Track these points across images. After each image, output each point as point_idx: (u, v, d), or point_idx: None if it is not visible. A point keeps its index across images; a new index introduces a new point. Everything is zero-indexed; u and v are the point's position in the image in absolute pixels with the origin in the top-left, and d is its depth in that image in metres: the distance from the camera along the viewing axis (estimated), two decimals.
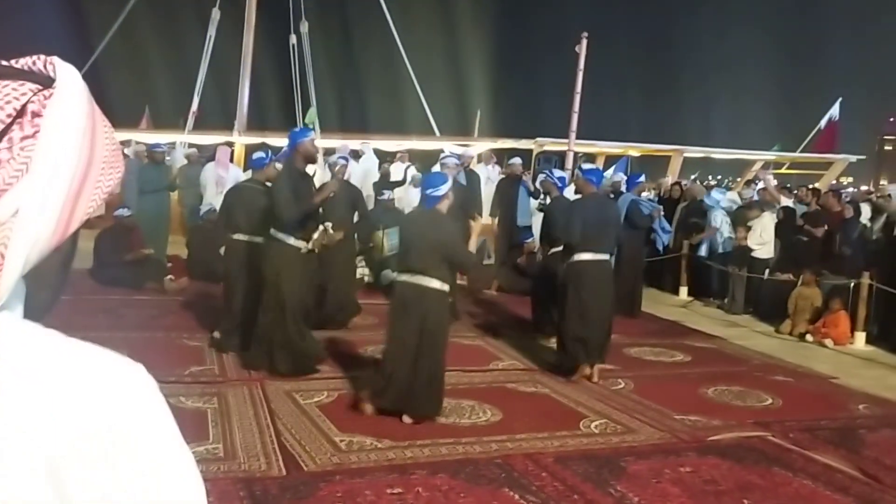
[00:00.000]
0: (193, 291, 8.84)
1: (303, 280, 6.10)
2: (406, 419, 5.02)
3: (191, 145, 14.88)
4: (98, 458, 0.66)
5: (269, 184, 6.44)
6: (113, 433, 0.67)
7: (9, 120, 0.67)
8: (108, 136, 0.75)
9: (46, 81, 0.70)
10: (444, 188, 5.24)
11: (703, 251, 10.72)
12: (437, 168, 9.26)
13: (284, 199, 5.78)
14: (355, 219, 7.97)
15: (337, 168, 7.70)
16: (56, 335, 0.71)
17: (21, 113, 0.68)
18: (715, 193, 11.57)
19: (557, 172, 9.00)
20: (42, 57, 0.71)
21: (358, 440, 4.65)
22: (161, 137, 14.78)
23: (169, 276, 9.20)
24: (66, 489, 0.65)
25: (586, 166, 8.42)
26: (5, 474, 0.63)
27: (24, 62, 0.71)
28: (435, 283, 5.11)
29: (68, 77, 0.71)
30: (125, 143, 15.32)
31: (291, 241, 5.89)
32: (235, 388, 5.52)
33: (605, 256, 6.51)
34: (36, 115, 0.68)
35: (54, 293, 0.79)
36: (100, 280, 8.84)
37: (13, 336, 0.68)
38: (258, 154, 7.03)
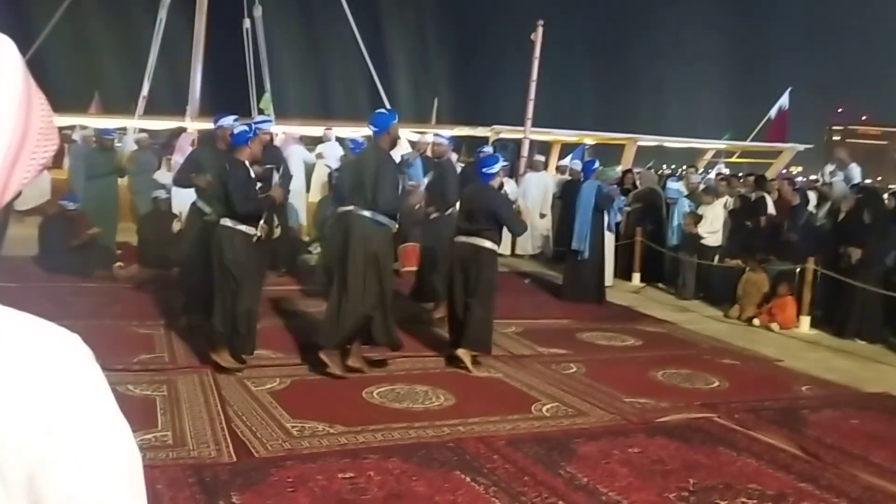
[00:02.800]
0: (144, 278, 8.70)
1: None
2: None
3: (142, 130, 14.60)
4: (35, 426, 0.67)
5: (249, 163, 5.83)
6: (50, 402, 0.68)
7: None
8: (44, 108, 0.76)
9: None
10: (497, 166, 6.45)
11: (674, 239, 10.78)
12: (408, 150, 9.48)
13: (395, 188, 5.80)
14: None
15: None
16: None
17: None
18: (671, 184, 11.72)
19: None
20: None
21: (310, 426, 4.64)
22: (111, 122, 14.48)
23: (118, 263, 9.04)
24: (4, 458, 0.65)
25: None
26: None
27: None
28: (487, 244, 6.18)
29: (4, 47, 0.71)
30: (72, 128, 15.00)
31: (391, 224, 5.87)
32: (185, 375, 5.46)
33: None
34: None
35: None
36: (46, 267, 8.66)
37: None
38: (241, 128, 6.08)
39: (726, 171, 17.52)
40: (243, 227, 5.69)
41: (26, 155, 0.73)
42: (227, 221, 5.70)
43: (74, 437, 0.68)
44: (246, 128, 6.07)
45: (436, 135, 8.99)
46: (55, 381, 0.69)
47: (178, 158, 11.04)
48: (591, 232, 9.40)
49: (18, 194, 0.79)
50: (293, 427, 4.60)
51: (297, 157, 12.18)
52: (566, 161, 16.97)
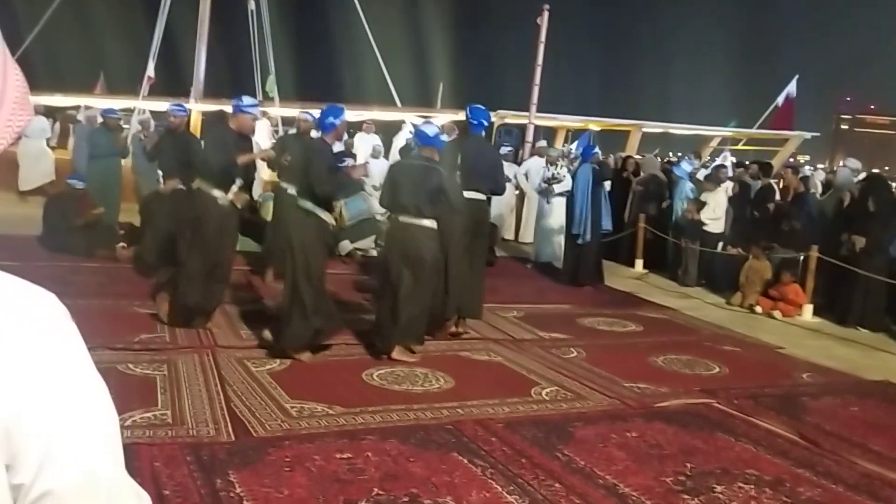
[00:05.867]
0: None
1: None
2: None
3: (144, 112, 14.58)
4: (8, 381, 0.66)
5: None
6: (23, 357, 0.68)
7: None
8: (19, 78, 0.76)
9: None
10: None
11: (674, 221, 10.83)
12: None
13: None
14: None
15: None
16: None
17: None
18: (684, 164, 11.70)
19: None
20: None
21: (309, 407, 4.65)
22: (116, 103, 14.45)
23: (121, 244, 9.03)
24: None
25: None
26: None
27: None
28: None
29: None
30: (77, 108, 14.99)
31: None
32: (186, 355, 5.46)
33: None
34: None
35: None
36: (49, 247, 8.67)
37: None
38: (435, 129, 6.19)
39: (732, 158, 17.44)
40: (427, 223, 5.78)
41: (1, 123, 0.73)
42: (408, 219, 5.76)
43: (48, 391, 0.69)
44: (437, 128, 6.21)
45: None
46: (28, 337, 0.69)
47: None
48: (590, 215, 9.41)
49: None
50: (292, 407, 4.61)
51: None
52: (573, 146, 16.96)
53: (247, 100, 6.49)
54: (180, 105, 8.87)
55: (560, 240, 10.84)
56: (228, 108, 8.26)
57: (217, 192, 6.12)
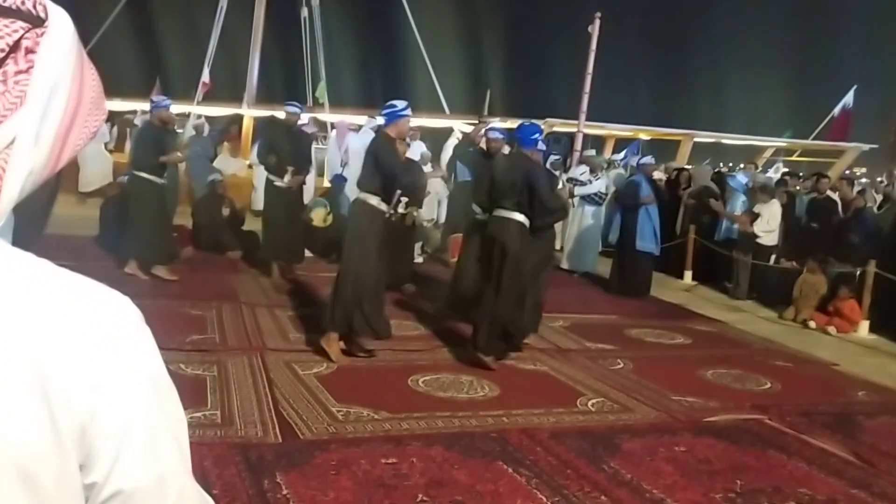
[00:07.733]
0: (198, 261, 8.89)
1: None
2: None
3: (201, 117, 14.87)
4: (85, 380, 0.68)
5: None
6: (98, 357, 0.70)
7: (2, 55, 0.69)
8: (95, 78, 0.78)
9: (37, 21, 0.72)
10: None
11: (720, 233, 10.71)
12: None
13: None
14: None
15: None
16: (47, 263, 0.73)
17: (14, 48, 0.70)
18: (740, 177, 11.54)
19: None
20: None
21: (355, 411, 4.68)
22: (172, 108, 14.75)
23: (188, 248, 9.21)
24: (51, 394, 0.67)
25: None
26: None
27: (11, 1, 0.71)
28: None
29: (60, 18, 0.74)
30: (134, 113, 15.36)
31: None
32: (235, 356, 5.55)
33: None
34: (29, 51, 0.70)
35: (39, 227, 0.82)
36: (105, 247, 8.89)
37: (6, 260, 0.70)
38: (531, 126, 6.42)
39: (784, 169, 17.08)
40: (519, 217, 5.94)
41: (79, 123, 0.75)
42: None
43: (123, 392, 0.70)
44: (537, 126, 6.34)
45: (491, 128, 8.92)
46: (105, 338, 0.70)
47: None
48: (621, 225, 9.60)
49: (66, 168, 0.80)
50: (338, 411, 4.65)
51: (354, 146, 12.50)
52: (621, 155, 16.80)
53: (399, 103, 5.77)
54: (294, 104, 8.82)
55: (589, 249, 10.84)
56: (297, 114, 8.51)
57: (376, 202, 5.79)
